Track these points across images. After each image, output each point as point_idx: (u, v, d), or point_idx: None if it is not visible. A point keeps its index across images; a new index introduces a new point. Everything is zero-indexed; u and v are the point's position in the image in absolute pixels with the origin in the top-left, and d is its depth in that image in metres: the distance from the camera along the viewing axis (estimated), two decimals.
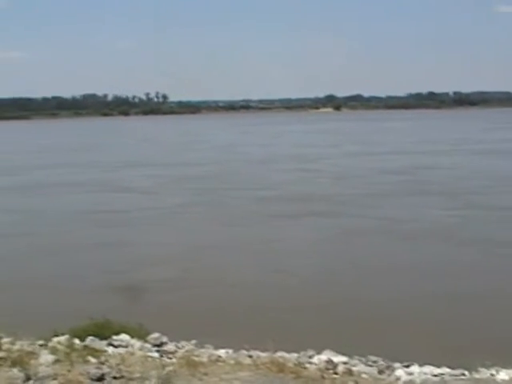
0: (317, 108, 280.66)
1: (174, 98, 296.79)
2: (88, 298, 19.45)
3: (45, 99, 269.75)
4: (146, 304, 19.16)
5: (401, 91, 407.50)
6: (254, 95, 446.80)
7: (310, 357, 10.36)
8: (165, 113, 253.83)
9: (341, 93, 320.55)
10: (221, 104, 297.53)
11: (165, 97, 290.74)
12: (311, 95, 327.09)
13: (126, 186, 48.00)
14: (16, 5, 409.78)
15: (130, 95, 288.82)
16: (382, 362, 10.69)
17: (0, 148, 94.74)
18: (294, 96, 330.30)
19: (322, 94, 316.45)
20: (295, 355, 10.32)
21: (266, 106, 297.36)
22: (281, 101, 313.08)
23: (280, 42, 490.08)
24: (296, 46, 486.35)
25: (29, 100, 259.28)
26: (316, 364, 9.69)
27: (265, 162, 63.41)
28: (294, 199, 39.26)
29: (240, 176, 52.65)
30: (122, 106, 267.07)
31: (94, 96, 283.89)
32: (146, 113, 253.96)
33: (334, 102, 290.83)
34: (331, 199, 39.32)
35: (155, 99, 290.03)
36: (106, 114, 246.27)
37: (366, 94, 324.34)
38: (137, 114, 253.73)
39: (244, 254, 26.26)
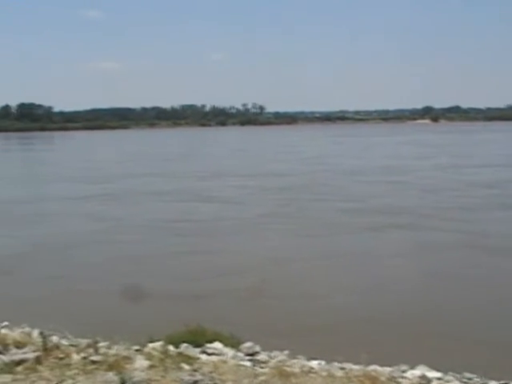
0: (414, 119, 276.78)
1: (270, 108, 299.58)
2: (171, 305, 19.93)
3: (144, 109, 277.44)
4: (230, 313, 19.36)
5: (501, 102, 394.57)
6: (351, 106, 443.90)
7: (404, 371, 10.33)
8: (262, 123, 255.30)
9: (439, 104, 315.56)
10: (317, 115, 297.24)
11: (262, 107, 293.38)
12: (409, 106, 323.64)
13: (210, 196, 48.42)
14: (112, 16, 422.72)
15: (227, 106, 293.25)
16: (477, 379, 10.54)
17: (96, 156, 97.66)
18: (391, 107, 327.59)
19: (419, 106, 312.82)
20: (388, 369, 10.30)
21: (362, 117, 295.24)
22: (378, 112, 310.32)
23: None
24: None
25: (129, 110, 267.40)
26: (409, 379, 9.66)
27: (354, 173, 62.67)
28: (379, 211, 38.60)
29: (326, 188, 52.13)
30: (219, 117, 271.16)
31: (192, 106, 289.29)
32: (243, 123, 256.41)
33: (431, 114, 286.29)
34: (417, 212, 38.50)
35: (252, 110, 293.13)
36: (203, 125, 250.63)
37: (464, 106, 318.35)
38: (234, 124, 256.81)
39: (327, 266, 26.21)
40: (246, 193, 49.81)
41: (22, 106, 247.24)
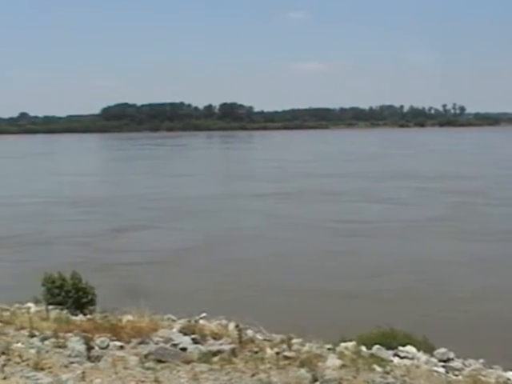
0: None
1: (471, 109, 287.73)
2: (356, 305, 19.88)
3: (342, 110, 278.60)
4: (418, 315, 18.87)
5: None
6: None
7: None
8: (462, 125, 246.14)
9: None
10: None
11: (462, 108, 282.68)
12: None
13: (382, 197, 48.07)
14: (316, 17, 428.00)
15: (426, 106, 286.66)
16: None
17: (284, 156, 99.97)
18: None
19: None
20: None
21: None
22: None
23: None
24: None
25: (327, 110, 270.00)
26: None
27: None
28: None
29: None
30: (417, 118, 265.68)
31: (390, 107, 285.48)
32: (442, 124, 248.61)
33: None
34: None
35: (452, 111, 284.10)
36: (402, 126, 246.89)
37: None
38: (433, 125, 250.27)
39: (481, 272, 25.06)
40: (420, 195, 48.84)
41: (224, 105, 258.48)
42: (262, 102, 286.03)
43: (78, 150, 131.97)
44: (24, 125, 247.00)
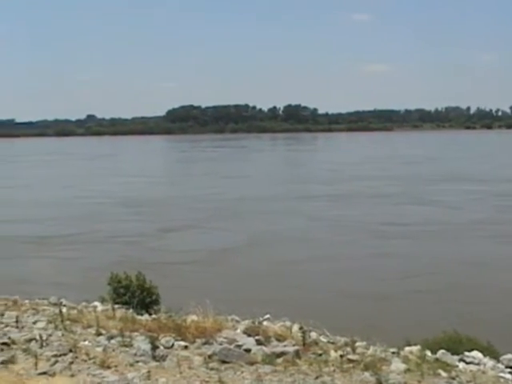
0: None
1: None
2: (416, 307, 19.69)
3: (407, 111, 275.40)
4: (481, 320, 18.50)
5: None
6: None
7: None
8: None
9: None
10: None
11: None
12: None
13: (430, 200, 47.53)
14: (381, 18, 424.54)
15: (493, 108, 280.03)
16: None
17: (341, 158, 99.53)
18: None
19: None
20: None
21: None
22: None
23: None
24: None
25: (392, 112, 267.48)
26: None
27: None
28: None
29: None
30: (484, 119, 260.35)
31: (456, 109, 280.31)
32: (509, 126, 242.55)
33: None
34: None
35: None
36: (468, 127, 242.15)
37: None
38: (500, 127, 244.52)
39: None
40: (470, 198, 48.03)
41: (288, 107, 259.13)
42: (327, 104, 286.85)
43: (141, 152, 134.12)
44: (91, 127, 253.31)
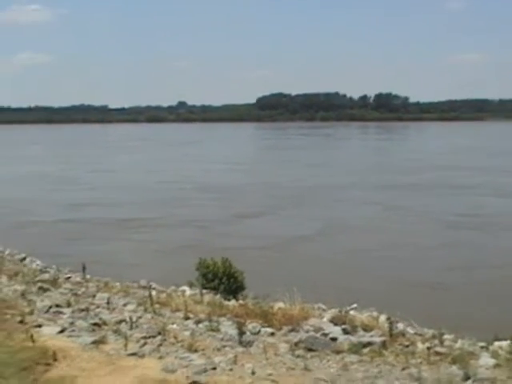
0: None
1: None
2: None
3: (501, 101, 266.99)
4: None
5: None
6: None
7: None
8: None
9: None
10: None
11: None
12: None
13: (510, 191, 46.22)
14: (473, 5, 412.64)
15: None
16: None
17: (426, 148, 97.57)
18: None
19: None
20: None
21: None
22: None
23: None
24: None
25: (484, 101, 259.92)
26: None
27: None
28: None
29: None
30: None
31: None
32: None
33: None
34: None
35: None
36: None
37: None
38: None
39: None
40: None
41: (379, 96, 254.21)
42: (418, 93, 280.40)
43: (228, 139, 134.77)
44: (182, 113, 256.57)
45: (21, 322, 9.33)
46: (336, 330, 9.49)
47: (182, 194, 45.42)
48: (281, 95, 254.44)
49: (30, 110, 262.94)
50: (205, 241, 28.28)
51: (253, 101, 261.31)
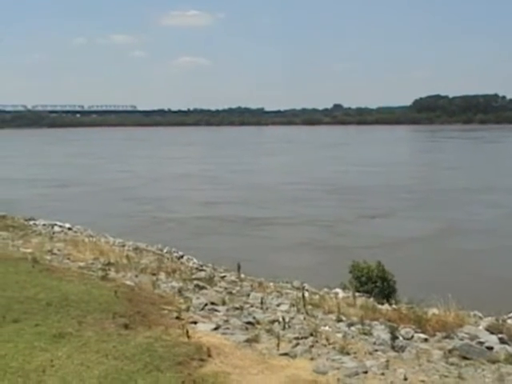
0: None
1: None
2: None
3: None
4: None
5: None
6: None
7: None
8: None
9: None
10: None
11: None
12: None
13: None
14: None
15: None
16: None
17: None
18: None
19: None
20: None
21: None
22: None
23: None
24: None
25: None
26: None
27: None
28: None
29: None
30: None
31: None
32: None
33: None
34: None
35: None
36: None
37: None
38: None
39: None
40: None
41: None
42: None
43: (373, 142, 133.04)
44: (337, 115, 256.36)
45: (177, 317, 9.73)
46: (492, 339, 9.15)
47: (310, 195, 46.55)
48: (438, 97, 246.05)
49: (189, 112, 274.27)
50: (336, 241, 29.37)
51: (408, 103, 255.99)
